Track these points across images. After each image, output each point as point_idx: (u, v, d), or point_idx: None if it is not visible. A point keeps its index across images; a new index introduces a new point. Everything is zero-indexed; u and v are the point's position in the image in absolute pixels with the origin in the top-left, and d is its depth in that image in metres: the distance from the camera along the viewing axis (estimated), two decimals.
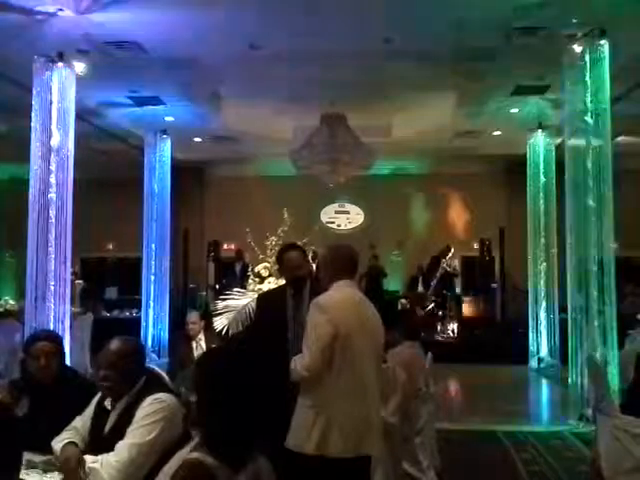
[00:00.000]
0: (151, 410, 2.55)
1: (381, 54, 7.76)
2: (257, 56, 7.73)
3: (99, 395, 2.77)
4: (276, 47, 7.53)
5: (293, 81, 8.77)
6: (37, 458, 2.62)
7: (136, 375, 2.69)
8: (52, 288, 6.84)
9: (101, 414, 2.72)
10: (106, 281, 14.42)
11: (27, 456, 2.63)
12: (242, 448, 1.91)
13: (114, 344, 2.70)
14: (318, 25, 7.04)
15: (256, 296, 4.26)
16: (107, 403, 2.72)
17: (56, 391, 3.04)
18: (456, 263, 13.29)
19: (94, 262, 14.89)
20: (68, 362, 6.81)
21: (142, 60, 7.81)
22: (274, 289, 4.17)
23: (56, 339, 3.37)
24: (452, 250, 13.04)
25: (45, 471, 2.53)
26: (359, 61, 8.03)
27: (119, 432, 2.57)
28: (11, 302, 13.17)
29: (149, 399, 2.58)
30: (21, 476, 2.46)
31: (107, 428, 2.67)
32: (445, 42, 7.47)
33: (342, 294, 3.02)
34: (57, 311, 6.85)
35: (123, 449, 2.49)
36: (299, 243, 8.47)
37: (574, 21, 6.61)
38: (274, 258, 6.95)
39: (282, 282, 5.10)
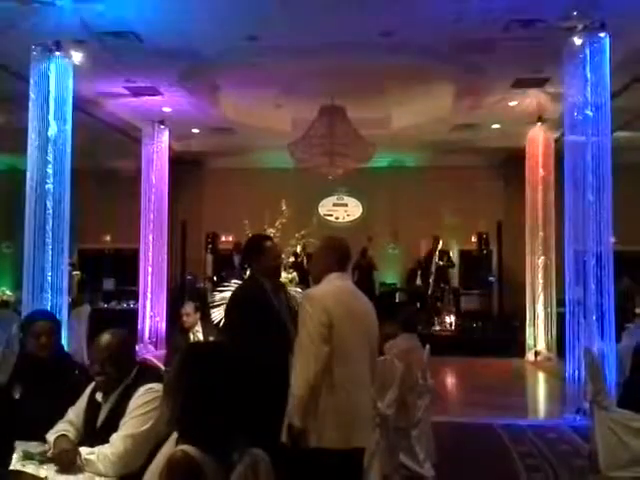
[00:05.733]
0: (144, 400, 2.56)
1: (380, 47, 7.72)
2: (255, 47, 7.69)
3: (91, 387, 2.78)
4: (275, 39, 7.49)
5: (292, 73, 8.74)
6: (33, 449, 2.62)
7: (128, 366, 2.70)
8: (49, 279, 6.82)
9: (93, 407, 2.73)
10: (103, 272, 14.41)
11: (23, 446, 2.63)
12: (225, 440, 1.90)
13: (104, 338, 2.71)
14: (317, 17, 7.01)
15: (231, 295, 3.99)
16: (98, 396, 2.73)
17: (53, 368, 3.14)
18: (451, 254, 13.29)
19: (91, 253, 14.85)
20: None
21: (139, 50, 7.76)
22: (247, 285, 3.87)
23: (54, 318, 3.53)
24: (440, 241, 13.03)
25: (41, 462, 2.52)
26: (358, 53, 7.99)
27: (113, 423, 2.58)
28: (8, 293, 13.18)
29: (142, 390, 2.59)
30: (18, 468, 2.47)
31: (100, 420, 2.68)
32: (444, 34, 7.43)
33: (333, 286, 3.01)
34: (54, 302, 6.84)
35: (118, 441, 2.49)
36: (297, 235, 8.45)
37: (574, 14, 6.58)
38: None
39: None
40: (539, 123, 10.51)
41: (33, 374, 3.15)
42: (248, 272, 4.00)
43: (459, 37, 7.46)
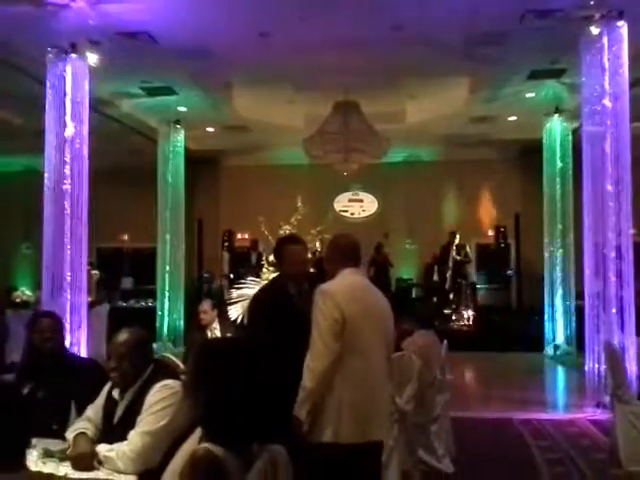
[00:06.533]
0: (160, 397, 2.58)
1: (394, 41, 7.68)
2: (269, 44, 7.69)
3: (109, 385, 2.80)
4: (288, 35, 7.49)
5: (306, 69, 8.72)
6: (53, 447, 2.65)
7: (144, 364, 2.73)
8: (68, 279, 6.89)
9: (110, 403, 2.76)
10: (122, 271, 14.54)
11: (43, 444, 2.67)
12: (245, 436, 1.90)
13: (121, 336, 2.75)
14: (329, 13, 6.98)
15: (253, 299, 3.78)
16: (115, 393, 2.75)
17: (56, 363, 3.29)
18: (468, 249, 13.20)
19: (110, 252, 14.99)
20: (85, 352, 6.95)
21: (154, 50, 7.80)
22: (270, 290, 3.73)
23: (57, 317, 3.66)
24: (457, 237, 12.95)
25: (61, 460, 2.55)
26: (372, 48, 7.96)
27: (130, 420, 2.60)
28: (28, 293, 13.34)
29: (157, 386, 2.61)
30: (38, 467, 2.50)
31: (117, 417, 2.70)
32: (458, 27, 7.37)
33: (347, 281, 3.01)
34: (73, 301, 6.91)
35: (136, 438, 2.51)
36: (313, 231, 8.42)
37: (591, 2, 6.49)
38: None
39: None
40: (556, 114, 10.40)
41: (39, 370, 3.27)
42: (264, 269, 3.99)
43: (473, 29, 7.39)
